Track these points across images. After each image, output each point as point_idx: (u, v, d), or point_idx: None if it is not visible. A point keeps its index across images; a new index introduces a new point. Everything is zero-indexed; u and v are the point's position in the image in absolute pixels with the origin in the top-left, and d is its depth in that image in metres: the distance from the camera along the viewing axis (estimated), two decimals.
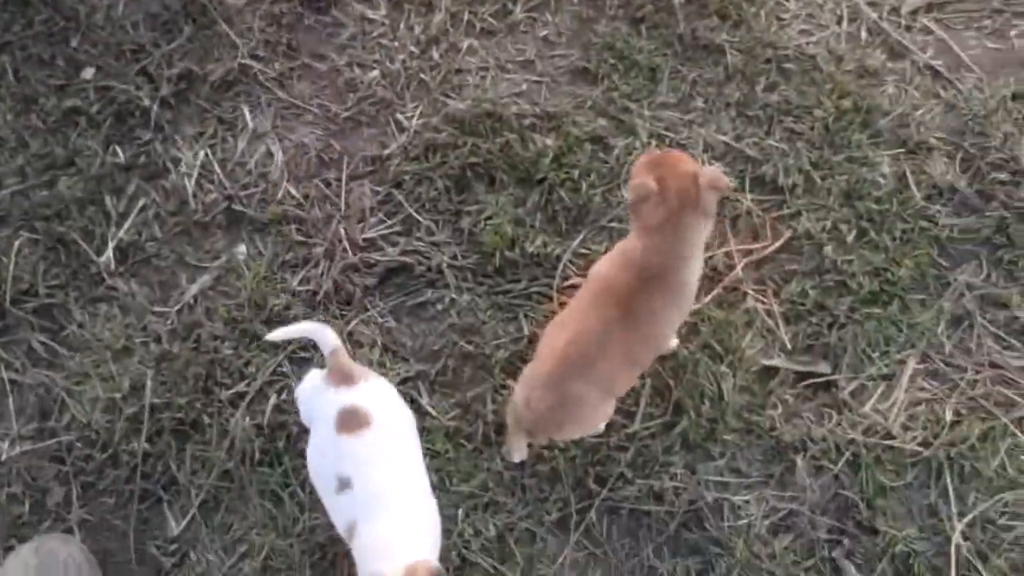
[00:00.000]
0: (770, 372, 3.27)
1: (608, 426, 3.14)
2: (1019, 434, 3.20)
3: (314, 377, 2.88)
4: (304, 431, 3.16)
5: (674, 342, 3.22)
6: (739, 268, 3.41)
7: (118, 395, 3.31)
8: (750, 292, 3.38)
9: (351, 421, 2.69)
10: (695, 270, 2.91)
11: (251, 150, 3.71)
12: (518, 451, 3.12)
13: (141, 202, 3.64)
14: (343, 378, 2.77)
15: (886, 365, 3.28)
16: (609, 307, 2.79)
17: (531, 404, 2.85)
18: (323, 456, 2.75)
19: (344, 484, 2.65)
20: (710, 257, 3.39)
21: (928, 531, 3.08)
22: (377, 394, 2.80)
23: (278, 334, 2.92)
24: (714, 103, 3.68)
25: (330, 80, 3.81)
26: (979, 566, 3.02)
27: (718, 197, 2.84)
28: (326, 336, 2.87)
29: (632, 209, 2.87)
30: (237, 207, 3.59)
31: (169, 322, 3.42)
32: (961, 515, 3.09)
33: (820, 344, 3.31)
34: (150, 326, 3.42)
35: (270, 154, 3.69)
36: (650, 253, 2.81)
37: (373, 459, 2.69)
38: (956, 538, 3.05)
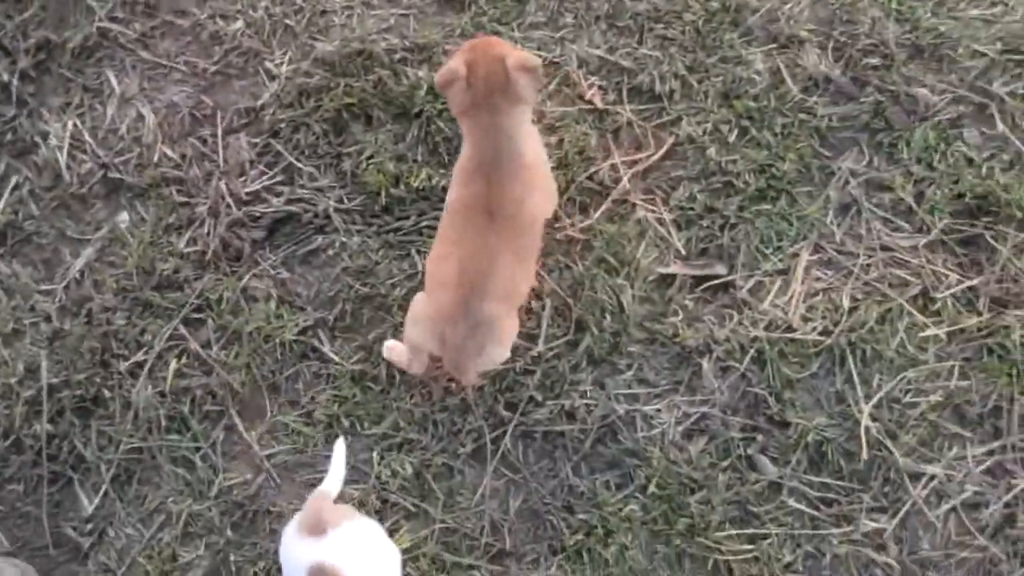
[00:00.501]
0: (667, 280, 3.25)
1: (513, 351, 3.09)
2: (915, 313, 3.23)
3: (289, 527, 2.71)
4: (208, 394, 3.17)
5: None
6: (625, 180, 3.36)
7: (13, 380, 3.23)
8: (639, 203, 3.35)
9: None
10: (533, 147, 2.90)
11: (121, 115, 3.57)
12: (420, 364, 3.07)
13: (13, 180, 3.52)
14: (313, 527, 2.60)
15: (780, 260, 3.28)
16: (477, 220, 2.77)
17: (447, 340, 2.83)
18: None
19: None
20: (596, 172, 3.36)
21: (837, 417, 3.10)
22: (350, 545, 2.61)
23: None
24: (583, 17, 3.58)
25: (194, 35, 3.66)
26: (889, 444, 3.05)
27: (532, 80, 2.79)
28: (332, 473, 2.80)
29: (443, 93, 2.86)
30: (113, 175, 3.47)
31: (57, 299, 3.33)
32: (867, 398, 3.12)
33: (714, 246, 3.29)
34: (38, 306, 3.33)
35: (141, 117, 3.56)
36: (481, 150, 2.81)
37: None
38: (865, 420, 3.08)
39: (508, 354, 3.05)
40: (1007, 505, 3.03)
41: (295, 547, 2.61)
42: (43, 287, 3.36)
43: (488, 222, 2.78)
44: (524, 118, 2.87)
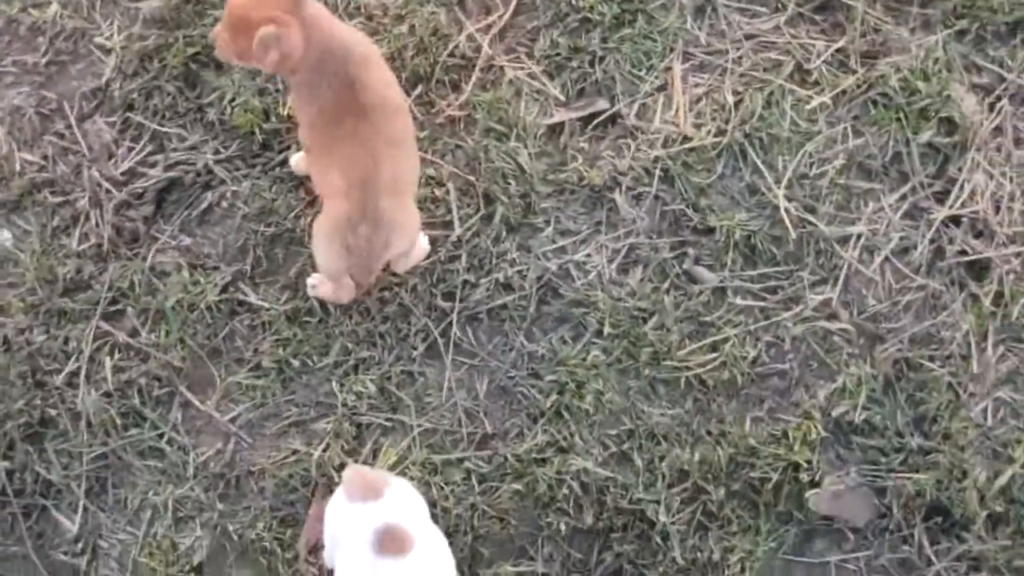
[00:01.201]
0: (556, 129, 3.23)
1: (432, 241, 3.08)
2: (796, 88, 3.26)
3: (336, 500, 2.55)
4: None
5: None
6: (486, 46, 3.30)
7: None
8: (505, 64, 3.30)
9: (391, 543, 2.39)
10: (342, 33, 2.81)
11: None
12: (346, 290, 3.03)
13: None
14: (368, 492, 2.43)
15: (656, 77, 3.27)
16: (344, 121, 2.70)
17: (352, 248, 2.78)
18: None
19: None
20: (455, 47, 3.30)
21: (756, 208, 3.15)
22: (404, 500, 2.49)
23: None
24: None
25: (11, 33, 3.43)
26: (810, 218, 3.12)
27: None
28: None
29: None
30: None
31: None
32: (777, 182, 3.16)
33: (590, 84, 3.27)
34: None
35: None
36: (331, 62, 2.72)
37: None
38: (782, 203, 3.12)
39: (421, 245, 3.04)
40: (932, 240, 3.12)
41: (352, 516, 2.47)
42: None
43: (356, 121, 2.71)
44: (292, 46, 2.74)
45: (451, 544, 2.71)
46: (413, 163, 2.93)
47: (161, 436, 3.03)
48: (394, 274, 3.07)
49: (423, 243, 3.08)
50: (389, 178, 2.75)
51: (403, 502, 2.50)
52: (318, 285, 3.06)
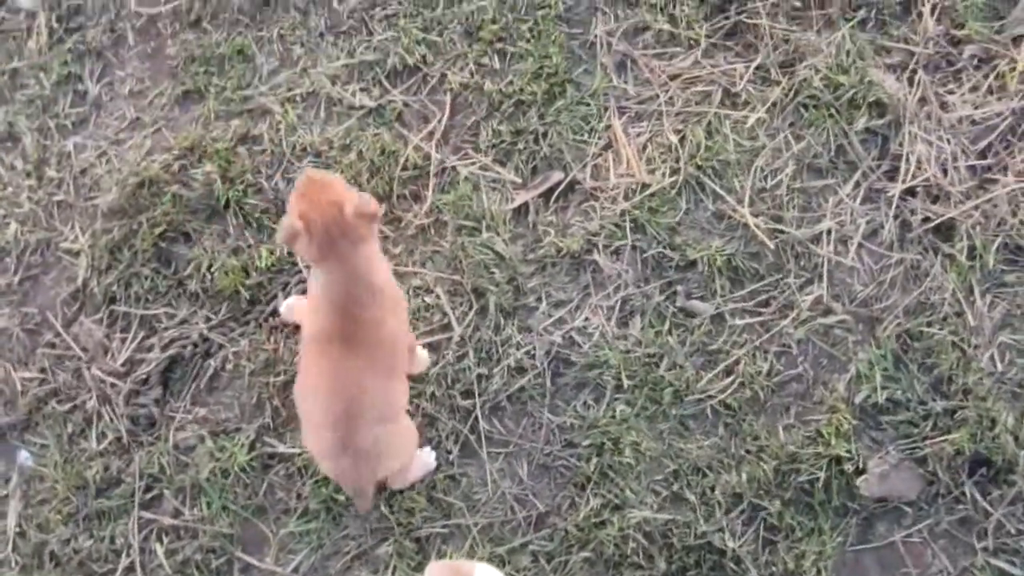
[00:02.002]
0: (522, 210, 3.32)
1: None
2: (730, 112, 3.38)
3: None
4: None
5: (424, 357, 3.15)
6: (433, 152, 3.38)
7: None
8: (456, 164, 3.38)
9: None
10: (381, 271, 2.79)
11: None
12: (363, 498, 2.96)
13: None
14: None
15: (599, 138, 3.38)
16: (333, 350, 2.67)
17: (344, 473, 2.78)
18: None
19: None
20: (405, 160, 3.35)
21: (727, 232, 3.25)
22: None
23: None
24: (309, 42, 3.56)
25: None
26: (780, 227, 3.22)
27: (373, 223, 2.70)
28: None
29: (288, 247, 2.81)
30: None
31: (13, 565, 3.12)
32: (740, 202, 3.26)
33: (540, 160, 3.37)
34: None
35: None
36: (333, 287, 2.69)
37: None
38: (750, 220, 3.23)
39: (423, 460, 3.04)
40: (896, 216, 3.24)
41: None
42: None
43: (346, 351, 2.68)
44: (372, 251, 2.75)
45: None
46: (403, 390, 2.91)
47: None
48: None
49: (426, 457, 3.07)
50: (378, 409, 2.74)
51: None
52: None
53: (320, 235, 2.61)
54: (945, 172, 3.27)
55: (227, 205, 3.38)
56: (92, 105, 3.63)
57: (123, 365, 3.28)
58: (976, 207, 3.21)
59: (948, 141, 3.30)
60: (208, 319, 3.29)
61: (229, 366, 3.25)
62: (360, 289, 2.70)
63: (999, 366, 3.07)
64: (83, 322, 3.35)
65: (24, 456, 3.25)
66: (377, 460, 2.77)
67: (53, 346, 3.35)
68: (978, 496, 2.94)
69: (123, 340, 3.31)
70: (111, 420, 3.23)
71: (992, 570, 2.91)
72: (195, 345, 3.27)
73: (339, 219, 2.61)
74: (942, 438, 2.99)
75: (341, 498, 3.07)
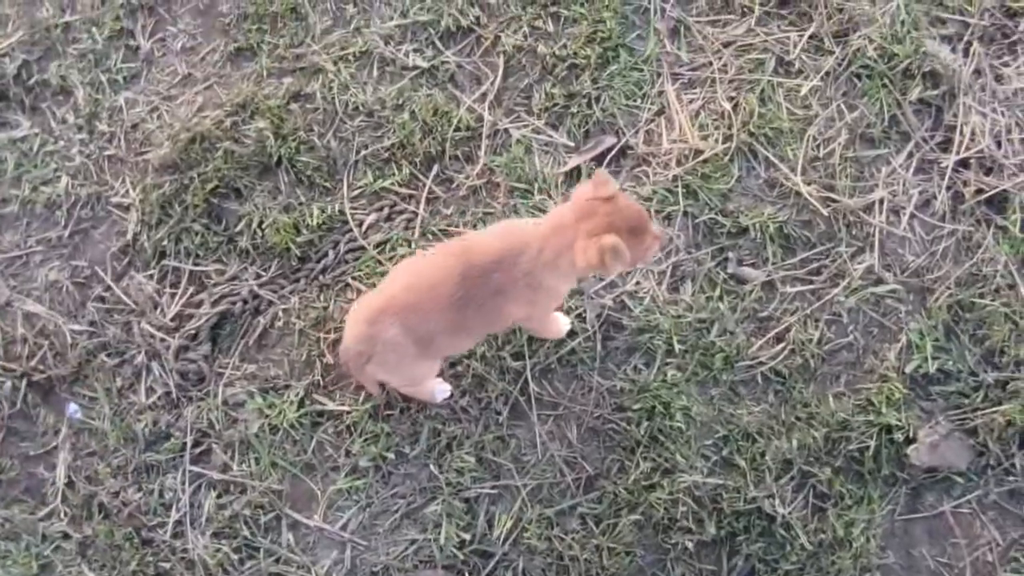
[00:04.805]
0: (573, 174, 3.26)
1: None
2: (784, 80, 3.31)
3: None
4: None
5: (565, 323, 3.07)
6: (486, 113, 3.33)
7: None
8: (509, 126, 3.32)
9: None
10: (564, 285, 2.74)
11: (9, 323, 3.27)
12: (440, 391, 3.03)
13: None
14: None
15: (652, 103, 3.31)
16: (460, 273, 2.60)
17: (346, 336, 2.76)
18: None
19: None
20: (458, 122, 3.29)
21: (780, 200, 3.21)
22: None
23: None
24: (363, 1, 3.49)
25: (29, 214, 3.39)
26: (833, 196, 3.17)
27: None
28: None
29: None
30: (38, 378, 3.20)
31: (62, 515, 3.07)
32: (792, 170, 3.20)
33: (593, 125, 3.30)
34: (47, 532, 3.05)
35: (29, 314, 3.28)
36: (533, 262, 2.58)
37: None
38: (803, 189, 3.16)
39: (403, 380, 2.95)
40: (948, 188, 3.18)
41: None
42: (40, 514, 3.10)
43: (464, 281, 2.60)
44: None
45: None
46: (456, 347, 2.93)
47: (279, 560, 2.97)
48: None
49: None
50: (422, 330, 2.66)
51: None
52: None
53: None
54: (999, 144, 3.20)
55: (279, 162, 3.32)
56: (144, 60, 3.54)
57: (172, 320, 3.22)
58: None
59: (1002, 113, 3.23)
60: (258, 276, 3.23)
61: (279, 323, 3.19)
62: (536, 275, 2.62)
63: None
64: (133, 276, 3.29)
65: (73, 409, 3.20)
66: (377, 355, 2.69)
67: (103, 300, 3.29)
68: None
69: (173, 295, 3.26)
70: (160, 375, 3.18)
71: None
72: (245, 302, 3.21)
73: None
74: (993, 409, 2.94)
75: (391, 456, 3.02)
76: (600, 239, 2.46)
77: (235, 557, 2.98)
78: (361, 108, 3.35)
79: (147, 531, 3.03)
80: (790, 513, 2.89)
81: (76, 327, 3.26)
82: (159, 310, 3.24)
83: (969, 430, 2.94)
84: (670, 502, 2.90)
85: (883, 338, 3.06)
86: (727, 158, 3.22)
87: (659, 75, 3.33)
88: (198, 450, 3.10)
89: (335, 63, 3.41)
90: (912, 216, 3.15)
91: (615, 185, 2.53)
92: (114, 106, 3.47)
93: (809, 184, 3.17)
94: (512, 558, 2.92)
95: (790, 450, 2.93)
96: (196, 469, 3.07)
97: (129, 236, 3.32)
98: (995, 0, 3.35)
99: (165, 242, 3.29)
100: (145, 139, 3.41)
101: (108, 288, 3.29)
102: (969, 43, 3.31)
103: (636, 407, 3.00)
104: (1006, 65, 3.28)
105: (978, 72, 3.28)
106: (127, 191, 3.37)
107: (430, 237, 3.21)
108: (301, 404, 3.09)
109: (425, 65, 3.38)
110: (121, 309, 3.26)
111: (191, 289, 3.25)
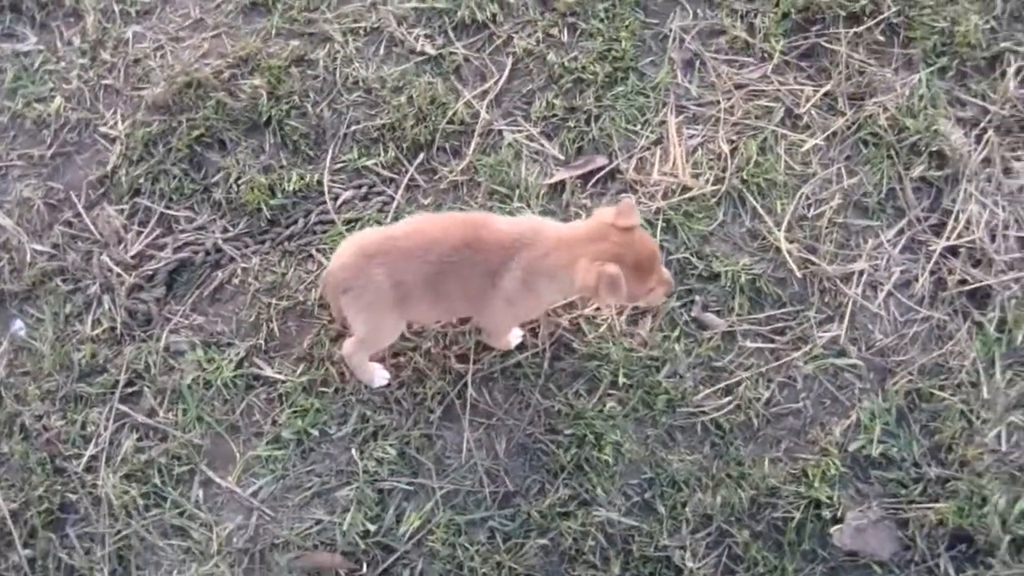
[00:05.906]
0: (557, 188, 3.20)
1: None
2: (788, 133, 3.24)
3: None
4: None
5: (516, 336, 3.04)
6: (483, 111, 3.29)
7: None
8: (503, 128, 3.28)
9: None
10: (553, 297, 2.79)
11: None
12: (379, 376, 3.01)
13: None
14: None
15: (651, 132, 3.25)
16: (464, 240, 2.61)
17: (334, 260, 2.75)
18: None
19: None
20: (453, 114, 3.28)
21: (758, 252, 3.10)
22: None
23: None
24: None
25: (17, 127, 3.42)
26: (813, 258, 3.07)
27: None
28: None
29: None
30: None
31: None
32: (777, 225, 3.12)
33: (587, 142, 3.25)
34: None
35: None
36: (535, 262, 2.60)
37: None
38: (784, 246, 3.08)
39: (365, 328, 2.88)
40: (932, 272, 3.08)
41: None
42: None
43: (462, 254, 2.62)
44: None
45: None
46: (429, 316, 2.94)
47: (183, 514, 2.93)
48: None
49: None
50: (405, 287, 2.66)
51: None
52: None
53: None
54: (993, 238, 3.09)
55: (268, 122, 3.30)
56: None
57: (133, 258, 3.21)
58: (1017, 279, 3.03)
59: (1003, 207, 3.12)
60: (225, 230, 3.21)
61: (236, 280, 3.17)
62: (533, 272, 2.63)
63: (1004, 445, 2.89)
64: (104, 208, 3.29)
65: (18, 326, 3.20)
66: (353, 293, 2.68)
67: (70, 225, 3.29)
68: (952, 572, 2.77)
69: (139, 233, 3.24)
70: (109, 309, 3.16)
71: None
72: (207, 253, 3.19)
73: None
74: (929, 505, 2.82)
75: (315, 433, 2.98)
76: (602, 266, 2.45)
77: (141, 502, 2.94)
78: (360, 83, 3.33)
79: (61, 460, 3.00)
80: (699, 569, 2.79)
81: (38, 247, 3.26)
82: (122, 245, 3.22)
83: (900, 521, 2.82)
84: (581, 533, 2.82)
85: (833, 411, 2.95)
86: (714, 200, 3.14)
87: (664, 105, 3.27)
88: (129, 390, 3.07)
89: (344, 34, 3.39)
90: (889, 294, 3.05)
91: (638, 218, 2.51)
92: (121, 37, 3.48)
93: (791, 242, 3.09)
94: (413, 558, 2.86)
95: (713, 505, 2.84)
96: (123, 408, 3.04)
97: (109, 167, 3.32)
98: (1021, 91, 3.25)
99: (142, 180, 3.28)
100: (144, 75, 3.41)
101: (78, 215, 3.29)
102: (984, 130, 3.21)
103: (568, 432, 2.93)
104: (1018, 159, 3.18)
105: (987, 161, 3.18)
106: (116, 123, 3.36)
107: None
108: (240, 365, 3.06)
109: (433, 52, 3.35)
110: (86, 238, 3.26)
111: (158, 231, 3.24)
